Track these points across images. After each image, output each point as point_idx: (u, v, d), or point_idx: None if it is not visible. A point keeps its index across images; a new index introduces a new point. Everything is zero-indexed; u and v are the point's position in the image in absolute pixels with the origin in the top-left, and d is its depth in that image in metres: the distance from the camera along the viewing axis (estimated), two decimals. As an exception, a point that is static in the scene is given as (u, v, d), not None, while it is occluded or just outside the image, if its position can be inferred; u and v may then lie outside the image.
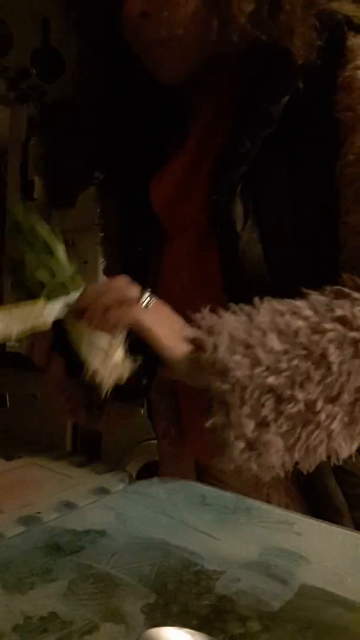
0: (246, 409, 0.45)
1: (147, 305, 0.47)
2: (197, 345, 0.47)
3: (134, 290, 0.47)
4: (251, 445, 0.45)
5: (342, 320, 0.46)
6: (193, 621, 0.33)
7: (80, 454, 0.65)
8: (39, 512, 0.50)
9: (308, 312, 0.47)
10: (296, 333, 0.46)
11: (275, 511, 0.51)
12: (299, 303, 0.48)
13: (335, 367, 0.45)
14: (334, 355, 0.45)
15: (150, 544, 0.43)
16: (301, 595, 0.36)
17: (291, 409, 0.45)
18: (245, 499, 0.53)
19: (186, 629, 0.30)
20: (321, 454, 0.47)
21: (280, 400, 0.45)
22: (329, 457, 0.48)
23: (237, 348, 0.45)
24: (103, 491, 0.56)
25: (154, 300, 0.48)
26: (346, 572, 0.39)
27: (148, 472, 1.85)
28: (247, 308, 0.48)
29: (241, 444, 0.45)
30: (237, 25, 0.51)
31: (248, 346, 0.45)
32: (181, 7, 0.52)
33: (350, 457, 0.52)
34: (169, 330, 0.47)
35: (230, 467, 0.46)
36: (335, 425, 0.46)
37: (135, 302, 0.47)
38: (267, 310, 0.48)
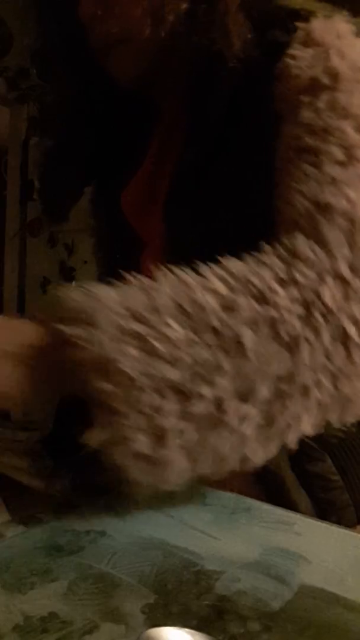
0: (136, 419, 0.36)
1: None
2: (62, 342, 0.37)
3: None
4: (150, 462, 0.37)
5: (259, 295, 0.38)
6: (193, 621, 0.33)
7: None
8: (39, 512, 0.50)
9: (219, 285, 0.39)
10: (205, 313, 0.37)
11: (275, 511, 0.51)
12: (211, 272, 0.40)
13: (251, 354, 0.36)
14: (248, 339, 0.36)
15: (150, 544, 0.43)
16: (301, 595, 0.36)
17: (196, 409, 0.36)
18: (245, 499, 0.53)
19: (186, 629, 0.30)
20: (232, 462, 0.39)
21: (181, 400, 0.36)
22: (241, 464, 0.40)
23: (125, 337, 0.36)
24: (103, 491, 0.56)
25: None
26: (346, 572, 0.39)
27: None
28: (147, 282, 0.40)
29: (138, 463, 0.37)
30: (166, 24, 0.50)
31: (138, 335, 0.36)
32: (129, 6, 0.52)
33: (321, 460, 0.50)
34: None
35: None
36: (248, 429, 0.37)
37: None
38: (170, 284, 0.39)
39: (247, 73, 0.51)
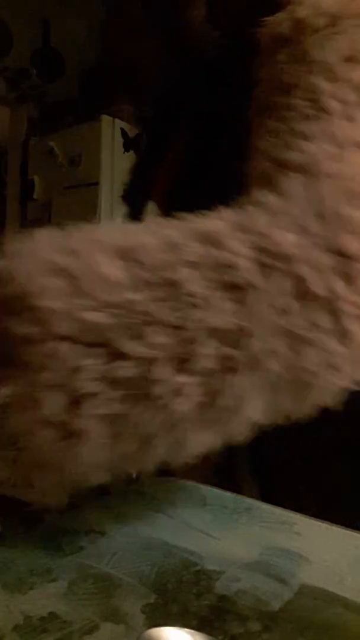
0: (49, 375, 0.29)
1: None
2: None
3: None
4: (60, 431, 0.30)
5: (203, 238, 0.32)
6: (193, 621, 0.33)
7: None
8: (39, 512, 0.50)
9: (165, 230, 0.34)
10: (143, 252, 0.31)
11: (275, 511, 0.51)
12: (164, 222, 0.35)
13: (188, 300, 0.30)
14: (187, 281, 0.30)
15: (150, 544, 0.43)
16: (301, 595, 0.36)
17: (121, 372, 0.29)
18: (245, 499, 0.53)
19: (186, 629, 0.30)
20: (160, 447, 0.31)
21: (107, 354, 0.29)
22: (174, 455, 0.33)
23: (51, 272, 0.30)
24: (103, 491, 0.56)
25: None
26: (346, 572, 0.39)
27: (148, 472, 1.84)
28: (87, 228, 0.35)
29: (48, 432, 0.29)
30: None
31: (67, 271, 0.30)
32: None
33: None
34: None
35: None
36: (182, 405, 0.30)
37: None
38: (115, 229, 0.35)
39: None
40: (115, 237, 0.33)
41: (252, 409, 0.32)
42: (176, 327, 0.29)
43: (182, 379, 0.29)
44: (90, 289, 0.29)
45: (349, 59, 0.42)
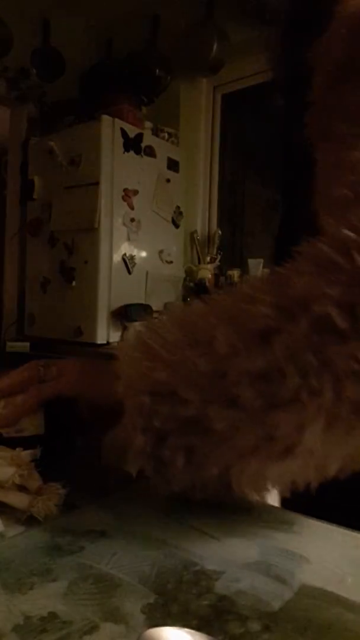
0: (139, 419, 0.38)
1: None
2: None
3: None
4: (153, 461, 0.39)
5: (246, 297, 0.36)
6: (193, 621, 0.33)
7: (80, 454, 0.65)
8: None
9: (221, 297, 0.38)
10: (194, 316, 0.38)
11: (275, 511, 0.51)
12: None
13: (222, 349, 0.34)
14: (222, 338, 0.34)
15: (150, 544, 0.43)
16: (301, 595, 0.36)
17: (185, 412, 0.36)
18: (245, 499, 0.53)
19: (186, 629, 0.30)
20: (237, 476, 0.38)
21: (174, 402, 0.36)
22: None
23: (137, 348, 0.39)
24: (103, 491, 0.56)
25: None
26: (346, 572, 0.39)
27: (148, 472, 1.84)
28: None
29: (147, 464, 0.39)
30: None
31: (145, 344, 0.39)
32: None
33: None
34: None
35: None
36: (242, 438, 0.34)
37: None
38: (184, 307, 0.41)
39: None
40: (184, 313, 0.40)
41: (312, 442, 0.33)
42: (218, 376, 0.35)
43: (233, 414, 0.34)
44: (157, 352, 0.37)
45: None
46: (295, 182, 0.51)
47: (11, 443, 0.52)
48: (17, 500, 0.46)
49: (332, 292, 0.31)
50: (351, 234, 0.32)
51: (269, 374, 0.33)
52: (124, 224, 2.50)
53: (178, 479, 0.39)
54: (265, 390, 0.33)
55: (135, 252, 2.56)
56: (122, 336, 2.45)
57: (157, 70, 2.78)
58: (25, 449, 0.50)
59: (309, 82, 0.43)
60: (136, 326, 0.48)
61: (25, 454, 0.49)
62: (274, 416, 0.33)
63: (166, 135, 2.78)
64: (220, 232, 2.96)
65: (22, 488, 0.47)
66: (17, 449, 0.50)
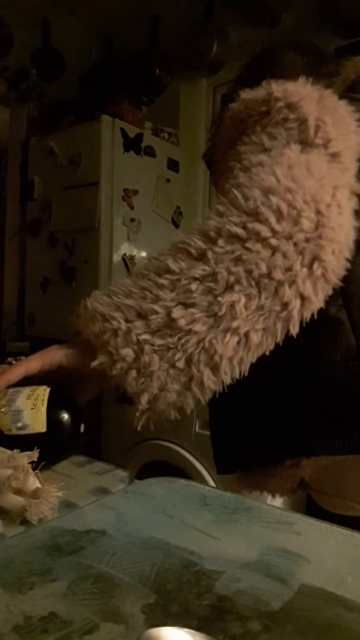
0: (118, 341, 0.50)
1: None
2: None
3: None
4: (139, 371, 0.50)
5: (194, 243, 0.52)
6: (193, 621, 0.33)
7: (80, 454, 0.65)
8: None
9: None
10: (146, 266, 0.53)
11: (275, 511, 0.51)
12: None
13: (175, 267, 0.51)
14: (172, 264, 0.51)
15: (150, 544, 0.43)
16: (301, 595, 0.36)
17: (154, 320, 0.49)
18: (245, 499, 0.53)
19: (186, 629, 0.30)
20: (205, 364, 0.49)
21: (143, 316, 0.50)
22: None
23: (102, 296, 0.54)
24: (103, 491, 0.56)
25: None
26: (346, 572, 0.39)
27: (148, 472, 1.85)
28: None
29: (132, 373, 0.49)
30: None
31: (110, 290, 0.54)
32: None
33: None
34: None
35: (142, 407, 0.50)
36: (198, 327, 0.49)
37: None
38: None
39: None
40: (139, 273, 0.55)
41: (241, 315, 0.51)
42: (176, 287, 0.51)
43: (190, 311, 0.49)
44: (119, 290, 0.53)
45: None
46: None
47: (13, 440, 0.52)
48: (12, 503, 0.46)
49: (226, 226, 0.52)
50: (220, 207, 0.55)
51: (208, 276, 0.50)
52: (124, 224, 2.50)
53: (156, 379, 0.50)
54: (208, 286, 0.50)
55: (135, 252, 2.56)
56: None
57: (157, 70, 2.77)
58: (25, 447, 0.50)
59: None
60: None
61: (22, 456, 0.49)
62: (217, 302, 0.49)
63: (166, 135, 2.78)
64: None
65: (19, 490, 0.47)
66: (14, 451, 0.49)
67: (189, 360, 0.49)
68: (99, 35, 3.00)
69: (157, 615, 0.33)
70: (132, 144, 2.55)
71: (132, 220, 2.54)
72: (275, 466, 0.69)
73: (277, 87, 0.63)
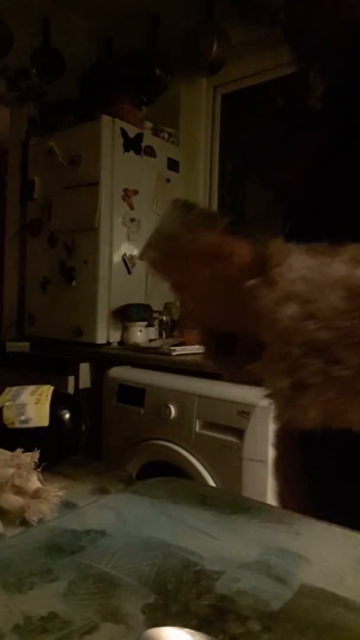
0: (283, 364, 0.41)
1: None
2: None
3: None
4: (289, 404, 0.42)
5: None
6: (193, 621, 0.33)
7: (80, 454, 0.65)
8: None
9: None
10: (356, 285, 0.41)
11: (275, 511, 0.51)
12: None
13: None
14: None
15: (150, 544, 0.43)
16: (301, 595, 0.36)
17: (339, 371, 0.40)
18: (246, 499, 0.53)
19: (186, 629, 0.30)
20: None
21: (328, 360, 0.40)
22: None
23: (292, 301, 0.42)
24: (103, 491, 0.56)
25: None
26: (346, 572, 0.39)
27: (148, 472, 1.84)
28: (323, 251, 0.44)
29: (279, 400, 0.42)
30: None
31: (306, 301, 0.42)
32: None
33: None
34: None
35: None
36: None
37: None
38: (344, 262, 0.43)
39: None
40: (344, 275, 0.42)
41: None
42: None
43: None
44: (321, 314, 0.41)
45: None
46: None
47: (16, 434, 0.52)
48: (11, 503, 0.46)
49: None
50: None
51: None
52: (124, 224, 2.50)
53: (302, 420, 0.42)
54: None
55: (135, 252, 2.55)
56: (122, 336, 2.45)
57: (157, 70, 2.77)
58: (28, 442, 0.50)
59: None
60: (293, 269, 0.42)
61: (25, 456, 0.49)
62: None
63: (166, 135, 2.78)
64: (220, 232, 2.95)
65: (19, 490, 0.47)
66: (17, 450, 0.50)
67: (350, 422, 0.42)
68: (99, 35, 3.00)
69: (157, 615, 0.33)
70: (132, 144, 2.55)
71: (132, 220, 2.54)
72: None
73: None
